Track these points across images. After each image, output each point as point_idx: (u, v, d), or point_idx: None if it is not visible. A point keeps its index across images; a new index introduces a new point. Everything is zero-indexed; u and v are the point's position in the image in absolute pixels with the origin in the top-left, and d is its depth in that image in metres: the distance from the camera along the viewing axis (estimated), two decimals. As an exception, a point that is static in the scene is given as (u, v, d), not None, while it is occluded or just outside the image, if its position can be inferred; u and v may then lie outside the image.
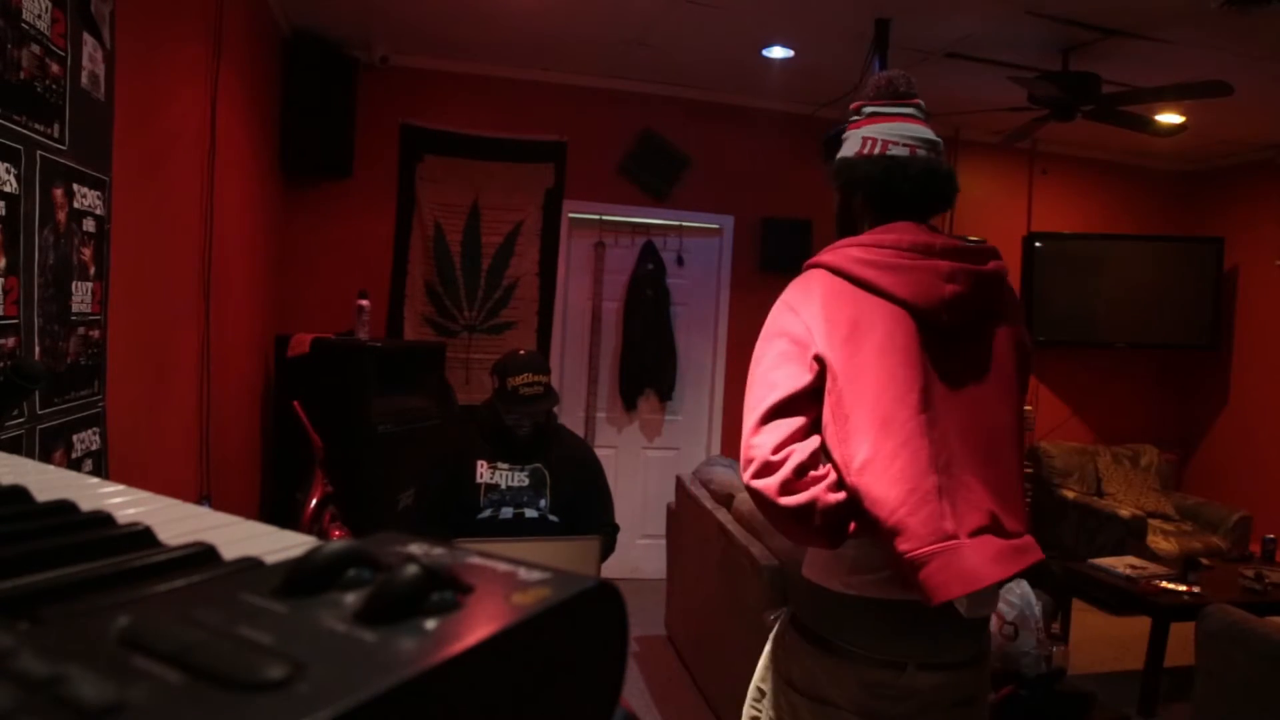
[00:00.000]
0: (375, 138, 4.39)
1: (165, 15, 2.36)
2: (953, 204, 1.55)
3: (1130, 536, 4.57)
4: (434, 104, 4.52)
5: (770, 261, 4.88)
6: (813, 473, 1.34)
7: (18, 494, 0.50)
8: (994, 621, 3.41)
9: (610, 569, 2.57)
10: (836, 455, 1.35)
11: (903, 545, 1.30)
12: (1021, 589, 3.51)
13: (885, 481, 1.31)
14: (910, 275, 1.41)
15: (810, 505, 1.32)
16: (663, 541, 4.18)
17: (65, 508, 0.47)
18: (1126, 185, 5.68)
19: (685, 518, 3.74)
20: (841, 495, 1.33)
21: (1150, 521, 4.77)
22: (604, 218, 4.81)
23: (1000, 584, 1.37)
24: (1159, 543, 4.67)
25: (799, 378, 1.37)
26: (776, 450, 1.34)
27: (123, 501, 0.52)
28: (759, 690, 1.62)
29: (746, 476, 1.36)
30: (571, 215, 4.74)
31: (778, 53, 4.09)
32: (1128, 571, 3.73)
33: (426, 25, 4.01)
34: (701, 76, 4.59)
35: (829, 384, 1.37)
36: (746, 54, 4.13)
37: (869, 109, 1.56)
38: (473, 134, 4.54)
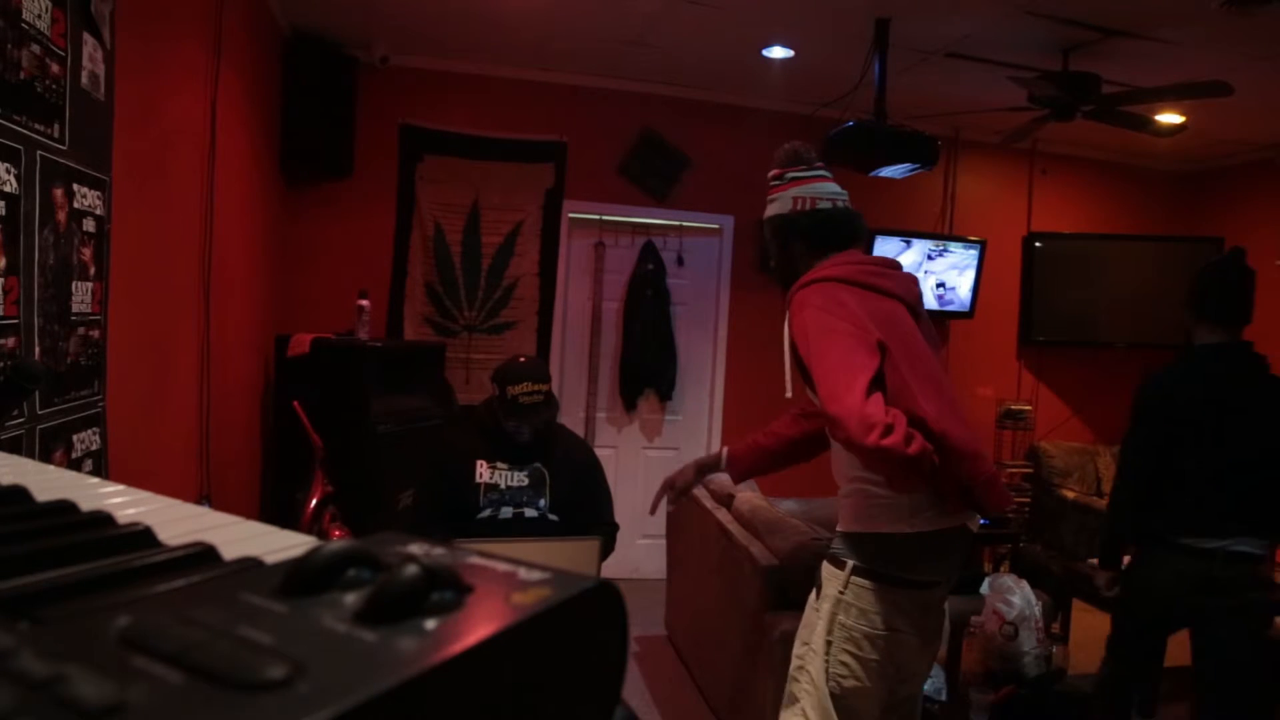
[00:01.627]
0: (375, 138, 4.39)
1: (165, 15, 2.36)
2: (864, 238, 2.06)
3: (1130, 536, 4.56)
4: (434, 104, 4.52)
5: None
6: (909, 427, 1.70)
7: (18, 494, 0.50)
8: (994, 621, 3.41)
9: (610, 569, 2.57)
10: (917, 413, 1.72)
11: (983, 466, 1.79)
12: (1022, 589, 3.50)
13: (956, 425, 1.76)
14: (897, 281, 1.90)
15: (925, 450, 1.68)
16: (663, 541, 4.18)
17: (65, 508, 0.47)
18: (1126, 185, 5.68)
19: (685, 518, 3.74)
20: (927, 442, 1.72)
21: (1150, 521, 4.76)
22: (604, 218, 4.80)
23: None
24: (1159, 543, 4.66)
25: (873, 358, 1.73)
26: (887, 414, 1.67)
27: (123, 501, 0.52)
28: (825, 643, 1.88)
29: (873, 438, 1.64)
30: (571, 215, 4.73)
31: (778, 53, 4.08)
32: (1128, 571, 3.72)
33: (426, 25, 4.01)
34: (701, 76, 4.59)
35: (890, 361, 1.75)
36: (746, 54, 4.13)
37: (790, 175, 2.01)
38: (473, 134, 4.54)
